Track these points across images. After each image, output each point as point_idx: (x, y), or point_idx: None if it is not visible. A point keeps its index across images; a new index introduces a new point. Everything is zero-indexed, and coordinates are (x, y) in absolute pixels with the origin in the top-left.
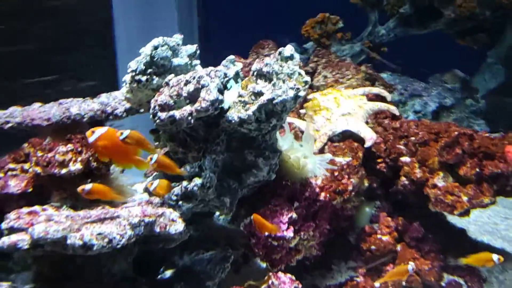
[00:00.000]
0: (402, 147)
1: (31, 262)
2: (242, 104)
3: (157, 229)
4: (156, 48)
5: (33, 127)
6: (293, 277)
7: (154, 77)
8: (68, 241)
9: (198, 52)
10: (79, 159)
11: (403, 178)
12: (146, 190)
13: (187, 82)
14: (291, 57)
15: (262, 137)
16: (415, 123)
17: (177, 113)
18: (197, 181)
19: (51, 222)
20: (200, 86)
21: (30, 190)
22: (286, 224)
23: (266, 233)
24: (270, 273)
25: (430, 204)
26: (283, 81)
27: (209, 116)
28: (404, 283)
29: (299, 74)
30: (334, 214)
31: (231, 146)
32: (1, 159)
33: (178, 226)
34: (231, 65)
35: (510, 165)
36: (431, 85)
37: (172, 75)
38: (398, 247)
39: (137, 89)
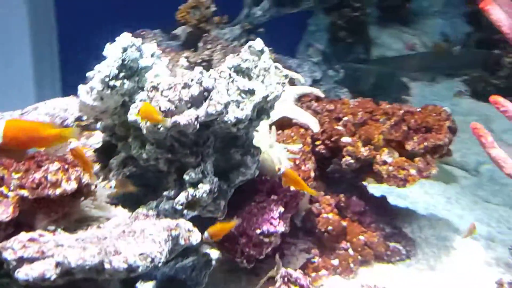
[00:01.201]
0: (341, 128)
1: None
2: (234, 104)
3: (182, 242)
4: (125, 50)
5: None
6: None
7: (125, 81)
8: (109, 266)
9: (159, 52)
10: (73, 177)
11: (347, 158)
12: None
13: (186, 86)
14: (262, 51)
15: (245, 135)
16: (347, 104)
17: (182, 119)
18: (205, 187)
19: (76, 248)
20: (203, 89)
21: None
22: (277, 219)
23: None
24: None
25: (379, 180)
26: (264, 77)
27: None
28: (359, 257)
29: (276, 67)
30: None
31: (215, 147)
32: None
33: (197, 235)
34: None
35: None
36: (300, 61)
37: (151, 78)
38: (344, 223)
39: (109, 96)
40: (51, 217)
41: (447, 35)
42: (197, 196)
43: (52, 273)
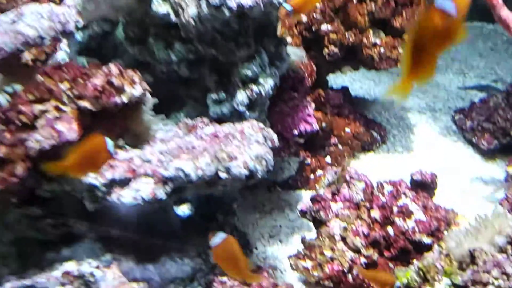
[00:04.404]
0: (318, 16)
1: None
2: None
3: (270, 144)
4: None
5: None
6: None
7: None
8: (226, 175)
9: None
10: (137, 80)
11: (331, 47)
12: None
13: None
14: None
15: (276, 21)
16: None
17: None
18: (269, 81)
19: (178, 160)
20: None
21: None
22: (312, 116)
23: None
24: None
25: (369, 65)
26: None
27: None
28: (349, 150)
29: None
30: None
31: None
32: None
33: (275, 135)
34: None
35: None
36: None
37: None
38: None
39: None
40: (113, 132)
41: None
42: (262, 93)
43: (162, 192)
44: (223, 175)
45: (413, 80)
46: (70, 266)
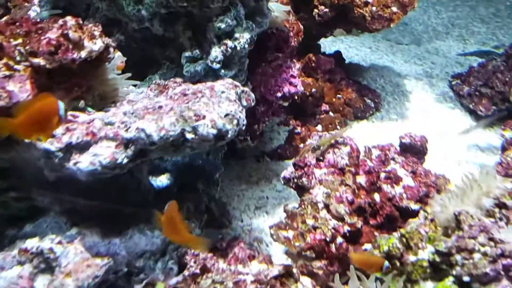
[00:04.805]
0: None
1: None
2: None
3: (244, 102)
4: None
5: None
6: None
7: None
8: (193, 135)
9: None
10: (97, 33)
11: (321, 7)
12: None
13: None
14: None
15: None
16: None
17: None
18: (245, 35)
19: (141, 121)
20: None
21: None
22: (296, 77)
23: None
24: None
25: (361, 26)
26: None
27: None
28: (341, 117)
29: None
30: None
31: None
32: None
33: (252, 94)
34: None
35: None
36: None
37: None
38: (320, 83)
39: None
40: (73, 93)
41: None
42: (238, 48)
43: (123, 155)
44: (189, 135)
45: None
46: (31, 243)
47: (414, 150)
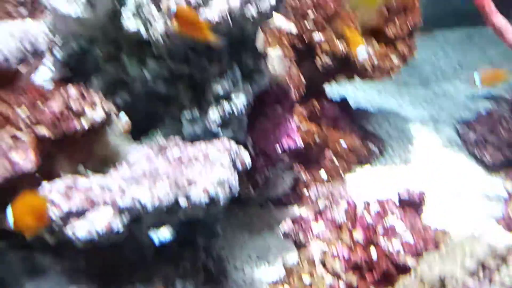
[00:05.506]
0: (310, 25)
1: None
2: None
3: (239, 165)
4: None
5: None
6: None
7: None
8: (185, 203)
9: None
10: (97, 102)
11: (324, 57)
12: None
13: None
14: None
15: (254, 35)
16: None
17: (214, 16)
18: (241, 98)
19: (141, 187)
20: None
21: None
22: (295, 131)
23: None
24: None
25: (363, 75)
26: None
27: None
28: (344, 164)
29: None
30: None
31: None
32: None
33: (247, 156)
34: None
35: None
36: None
37: None
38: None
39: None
40: (75, 159)
41: None
42: (234, 111)
43: (119, 224)
44: (183, 203)
45: None
46: None
47: (412, 205)
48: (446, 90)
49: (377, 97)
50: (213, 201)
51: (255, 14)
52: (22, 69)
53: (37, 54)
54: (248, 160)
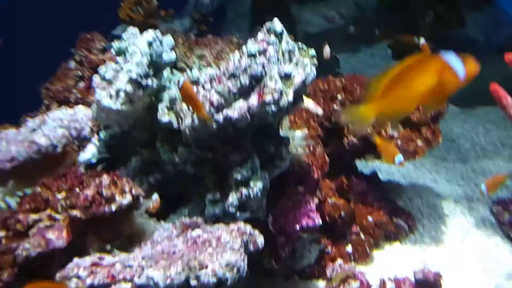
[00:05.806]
0: (338, 107)
1: None
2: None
3: (251, 247)
4: (151, 44)
5: None
6: None
7: (154, 79)
8: (196, 282)
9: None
10: (127, 189)
11: (350, 137)
12: None
13: (232, 76)
14: (282, 32)
15: (277, 124)
16: (338, 80)
17: (234, 113)
18: (258, 184)
19: (156, 267)
20: (250, 77)
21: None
22: (315, 211)
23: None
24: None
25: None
26: (291, 59)
27: None
28: (371, 239)
29: (300, 48)
30: None
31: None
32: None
33: (261, 238)
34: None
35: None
36: None
37: (185, 72)
38: (351, 205)
39: (141, 97)
40: (104, 237)
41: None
42: (251, 196)
43: None
44: (193, 282)
45: (378, 107)
46: None
47: (428, 285)
48: (485, 167)
49: (413, 171)
50: (221, 281)
51: (274, 110)
52: (67, 154)
53: (81, 139)
54: (261, 241)
